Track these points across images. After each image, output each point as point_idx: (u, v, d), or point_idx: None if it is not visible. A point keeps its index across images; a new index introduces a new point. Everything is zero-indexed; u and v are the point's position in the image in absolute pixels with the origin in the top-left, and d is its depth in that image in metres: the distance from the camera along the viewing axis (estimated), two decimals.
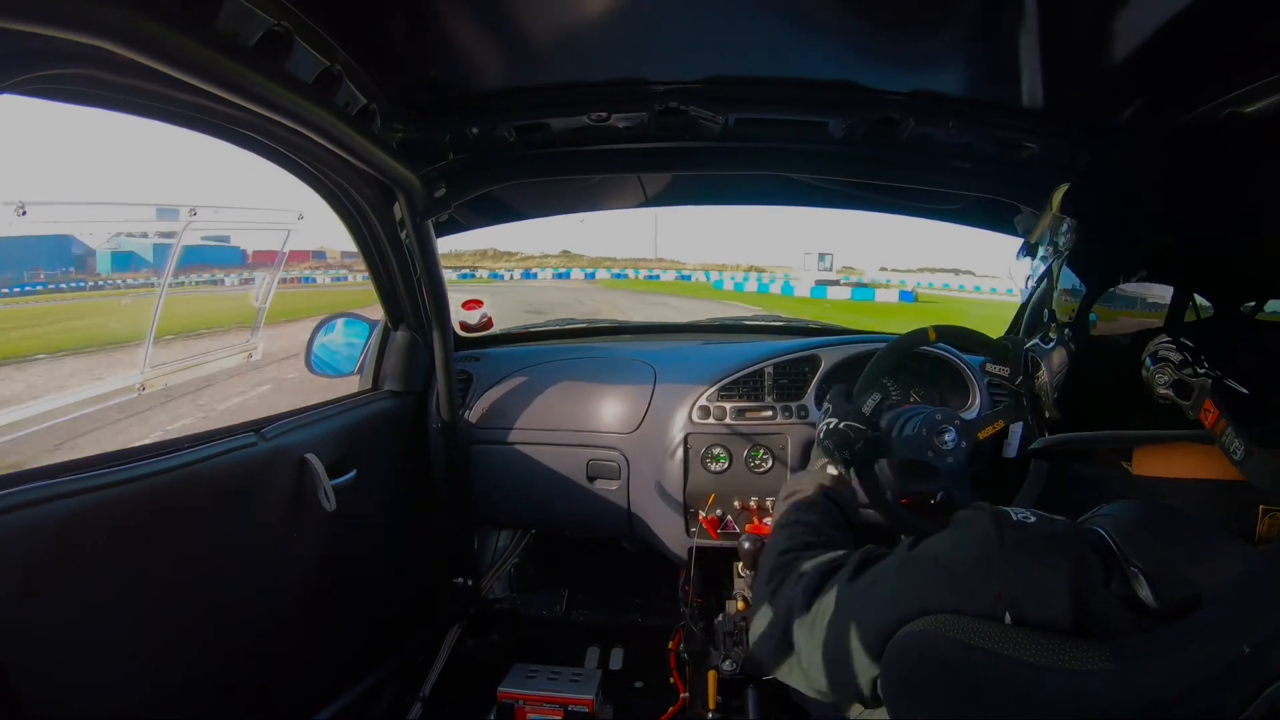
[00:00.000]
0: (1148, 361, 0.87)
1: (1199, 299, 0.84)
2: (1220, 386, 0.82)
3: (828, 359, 2.39)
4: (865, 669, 0.96)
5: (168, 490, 1.52)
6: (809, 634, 1.08)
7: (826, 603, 1.07)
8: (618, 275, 59.46)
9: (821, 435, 1.68)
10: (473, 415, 2.61)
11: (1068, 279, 1.03)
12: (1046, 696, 0.74)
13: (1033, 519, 0.88)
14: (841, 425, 1.67)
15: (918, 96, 1.78)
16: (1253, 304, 0.81)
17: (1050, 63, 1.59)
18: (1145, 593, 0.77)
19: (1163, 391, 0.85)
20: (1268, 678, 0.65)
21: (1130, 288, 0.92)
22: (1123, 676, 0.71)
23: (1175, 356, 0.85)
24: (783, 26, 1.53)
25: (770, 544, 1.37)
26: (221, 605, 1.70)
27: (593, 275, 56.45)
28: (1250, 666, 0.66)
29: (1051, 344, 1.06)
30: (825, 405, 1.78)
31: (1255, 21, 1.30)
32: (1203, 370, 0.84)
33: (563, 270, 59.09)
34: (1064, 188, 1.13)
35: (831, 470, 1.57)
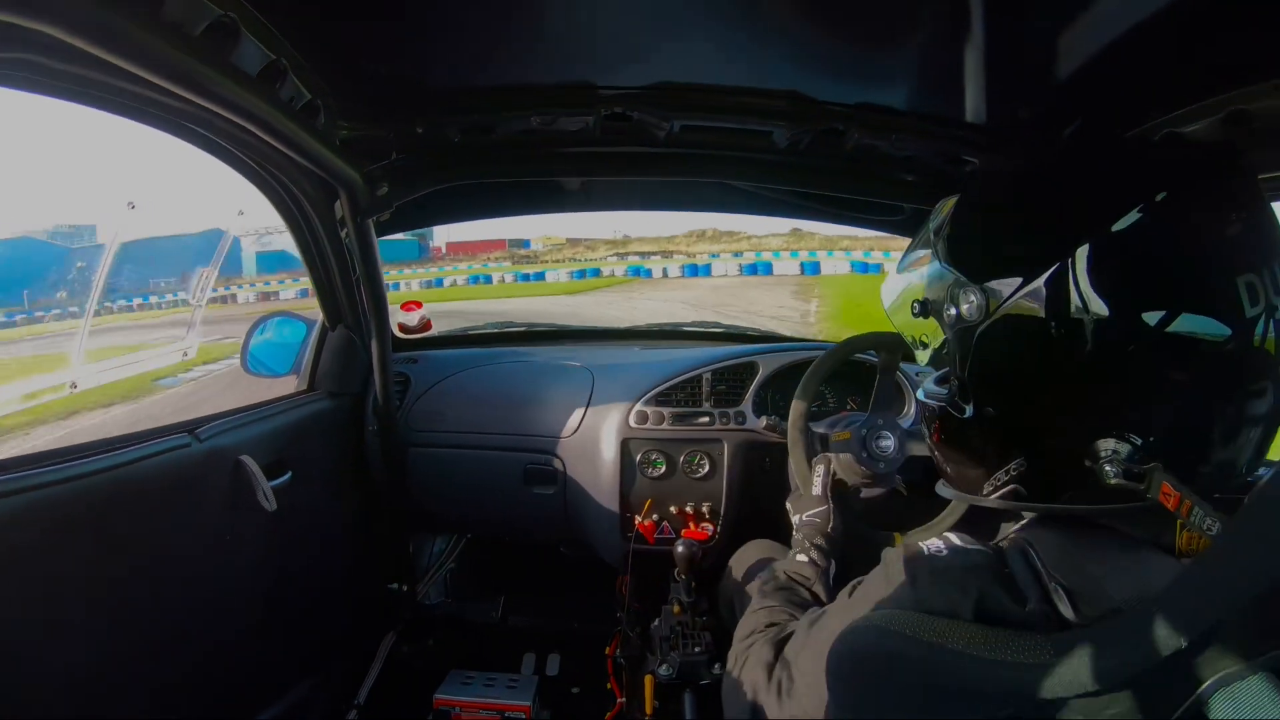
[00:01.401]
0: (1102, 454, 0.84)
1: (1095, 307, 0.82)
2: (1174, 467, 0.81)
3: (765, 366, 2.42)
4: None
5: (98, 492, 1.47)
6: (775, 701, 1.10)
7: (782, 669, 1.10)
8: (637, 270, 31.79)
9: (795, 531, 1.73)
10: (410, 418, 2.59)
11: (986, 353, 0.94)
12: (991, 686, 0.76)
13: (945, 551, 0.89)
14: (807, 516, 1.72)
15: (863, 109, 1.81)
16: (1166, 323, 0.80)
17: (994, 80, 1.62)
18: (1065, 608, 0.79)
19: (1114, 482, 0.83)
20: (1204, 674, 0.68)
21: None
22: (1062, 668, 0.73)
23: (1124, 449, 0.83)
24: (731, 35, 1.54)
25: (738, 629, 1.40)
26: (152, 610, 1.66)
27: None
28: (1188, 661, 0.68)
29: (970, 413, 0.98)
30: (788, 506, 1.82)
31: (1192, 49, 1.34)
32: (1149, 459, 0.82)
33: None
34: (948, 207, 1.04)
35: (801, 558, 1.59)
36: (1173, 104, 1.51)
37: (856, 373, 2.40)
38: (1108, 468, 0.83)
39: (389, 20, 1.49)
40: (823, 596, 1.50)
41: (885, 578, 0.94)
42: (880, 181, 2.16)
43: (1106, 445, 0.84)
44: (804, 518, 1.72)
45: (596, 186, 2.69)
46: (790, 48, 1.60)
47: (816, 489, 1.77)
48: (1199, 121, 1.48)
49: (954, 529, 1.57)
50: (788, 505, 1.82)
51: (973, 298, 0.93)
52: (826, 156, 2.04)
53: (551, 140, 2.01)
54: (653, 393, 2.41)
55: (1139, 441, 0.83)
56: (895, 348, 1.99)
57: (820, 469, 1.79)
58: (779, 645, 1.16)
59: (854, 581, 1.04)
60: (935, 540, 0.92)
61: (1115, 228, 0.82)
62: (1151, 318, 0.80)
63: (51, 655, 1.41)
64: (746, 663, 1.22)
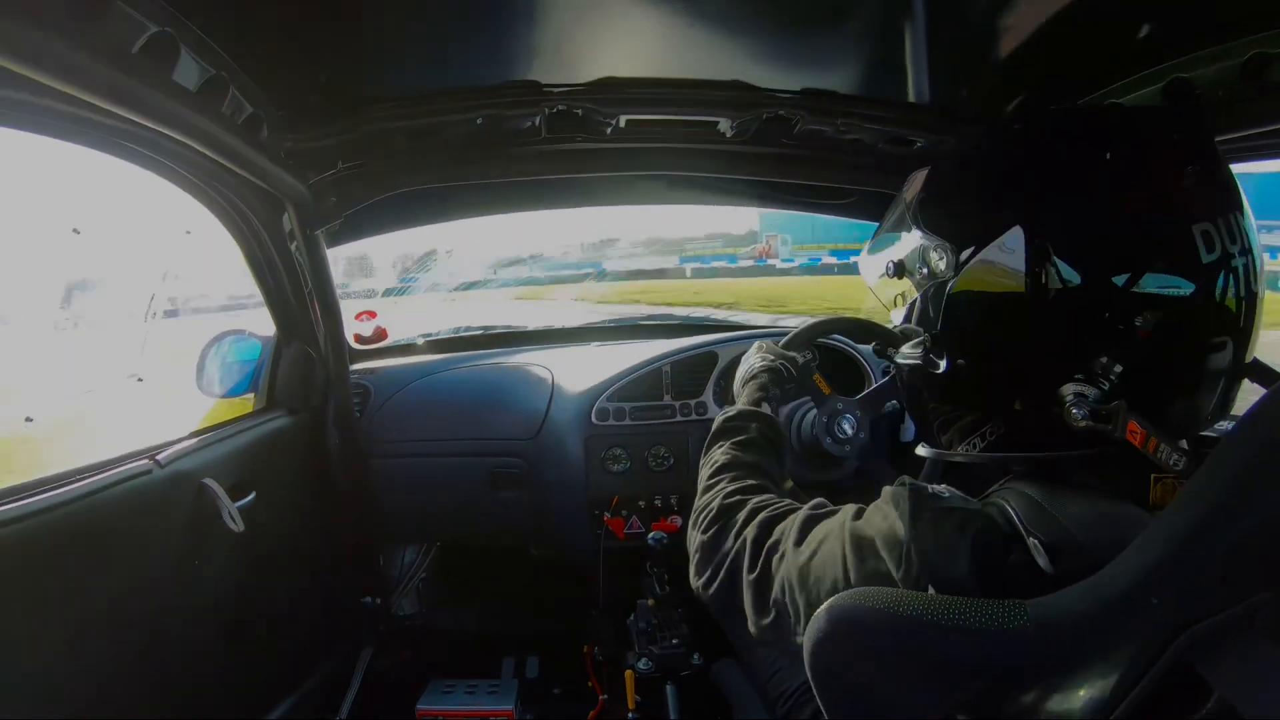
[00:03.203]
0: (1067, 399, 0.88)
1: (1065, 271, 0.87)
2: (1138, 406, 0.85)
3: (724, 356, 2.44)
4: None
5: (59, 526, 1.43)
6: (754, 588, 1.09)
7: (771, 557, 1.08)
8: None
9: (757, 369, 1.65)
10: (371, 429, 2.56)
11: (956, 308, 0.98)
12: (970, 655, 0.78)
13: (947, 494, 0.91)
14: (778, 363, 1.66)
15: (807, 94, 1.82)
16: (1126, 275, 0.85)
17: (937, 60, 1.65)
18: (1043, 561, 0.81)
19: (1082, 424, 0.87)
20: (1176, 628, 0.69)
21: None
22: (1039, 630, 0.74)
23: (1090, 392, 0.88)
24: (673, 27, 1.55)
25: (710, 483, 1.34)
26: (125, 642, 1.62)
27: None
28: (1159, 618, 0.70)
29: (944, 369, 1.02)
30: (757, 345, 1.76)
31: (1127, 24, 1.38)
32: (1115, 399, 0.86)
33: None
34: (920, 177, 1.09)
35: (767, 409, 1.52)
36: (1114, 75, 1.55)
37: (826, 358, 2.41)
38: (1074, 410, 0.88)
39: (329, 29, 1.47)
40: (785, 458, 1.47)
41: (887, 513, 0.94)
42: (827, 166, 2.19)
43: (1071, 389, 0.88)
44: (775, 362, 1.66)
45: (548, 185, 2.68)
46: (732, 37, 1.61)
47: (800, 358, 1.73)
48: (1140, 91, 1.52)
49: None
50: (758, 343, 1.77)
51: (943, 255, 0.98)
52: (773, 144, 2.05)
53: (498, 141, 2.00)
54: (613, 389, 2.42)
55: (1105, 386, 0.87)
56: (858, 331, 2.00)
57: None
58: (769, 526, 1.12)
59: (858, 506, 1.03)
60: (939, 485, 0.94)
61: (1076, 183, 0.88)
62: (1111, 269, 0.85)
63: (20, 690, 1.38)
64: (728, 530, 1.19)
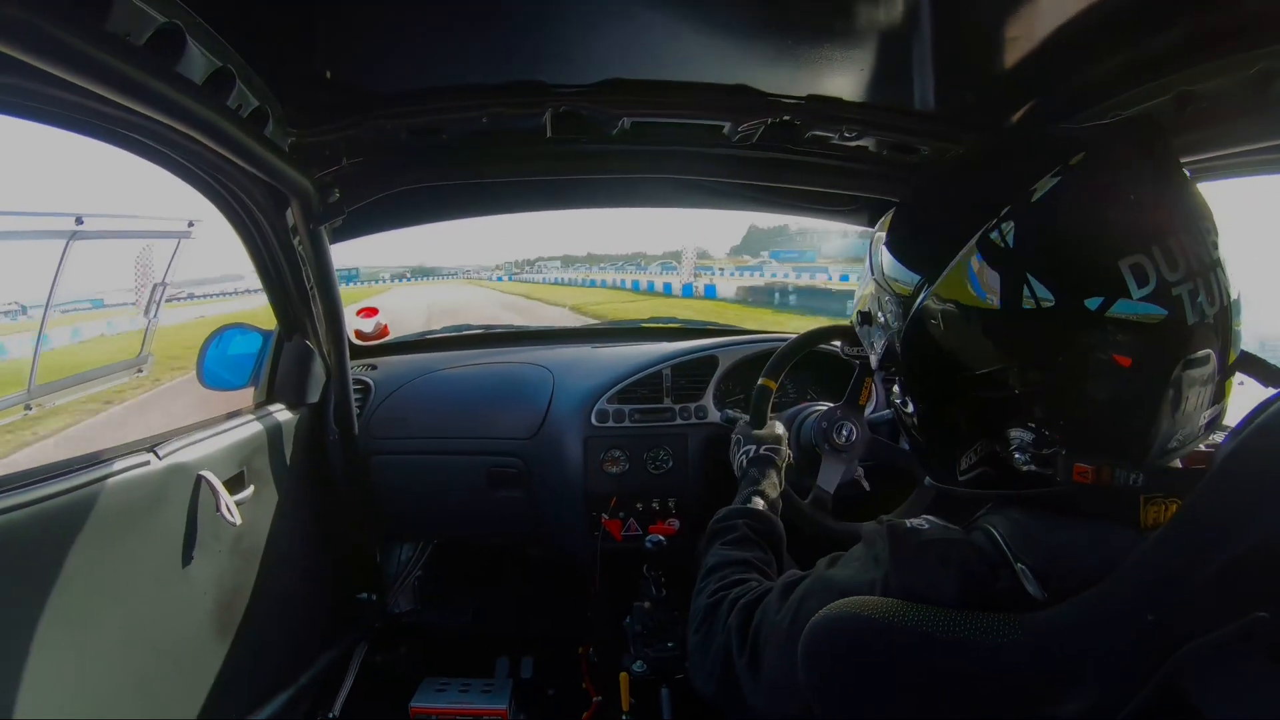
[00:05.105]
0: (1012, 443, 0.89)
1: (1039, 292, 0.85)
2: (1077, 452, 0.85)
3: (725, 359, 2.44)
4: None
5: (57, 515, 1.44)
6: (749, 669, 1.11)
7: (759, 635, 1.10)
8: None
9: (746, 464, 1.72)
10: (371, 425, 2.56)
11: (909, 353, 1.01)
12: (964, 669, 0.78)
13: (926, 526, 0.92)
14: (763, 450, 1.71)
15: (812, 100, 1.82)
16: (1100, 300, 0.82)
17: (942, 68, 1.65)
18: (1032, 587, 0.81)
19: (1025, 469, 0.89)
20: (1173, 643, 0.69)
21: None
22: (1033, 645, 0.75)
23: (1030, 438, 0.88)
24: (679, 30, 1.55)
25: (700, 587, 1.39)
26: (118, 633, 1.62)
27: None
28: (1156, 634, 0.70)
29: (911, 410, 1.05)
30: (735, 438, 1.82)
31: (1133, 35, 1.38)
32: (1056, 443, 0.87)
33: None
34: (885, 221, 1.11)
35: (759, 502, 1.58)
36: (1119, 86, 1.54)
37: (819, 364, 2.42)
38: (1018, 455, 0.89)
39: (336, 24, 1.47)
40: (778, 541, 1.52)
41: (868, 553, 0.96)
42: (832, 173, 2.18)
43: (1015, 435, 0.89)
44: (760, 450, 1.73)
45: (551, 185, 2.67)
46: (739, 42, 1.61)
47: (779, 429, 1.79)
48: (1147, 103, 1.51)
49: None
50: (735, 436, 1.83)
51: (892, 305, 1.01)
52: (778, 149, 2.06)
53: (503, 140, 2.00)
54: (614, 390, 2.41)
55: (1046, 432, 0.87)
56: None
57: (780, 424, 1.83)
58: (750, 609, 1.16)
59: (834, 555, 1.06)
60: (917, 519, 0.95)
61: (1007, 220, 0.88)
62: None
63: (14, 681, 1.38)
64: (715, 623, 1.23)
